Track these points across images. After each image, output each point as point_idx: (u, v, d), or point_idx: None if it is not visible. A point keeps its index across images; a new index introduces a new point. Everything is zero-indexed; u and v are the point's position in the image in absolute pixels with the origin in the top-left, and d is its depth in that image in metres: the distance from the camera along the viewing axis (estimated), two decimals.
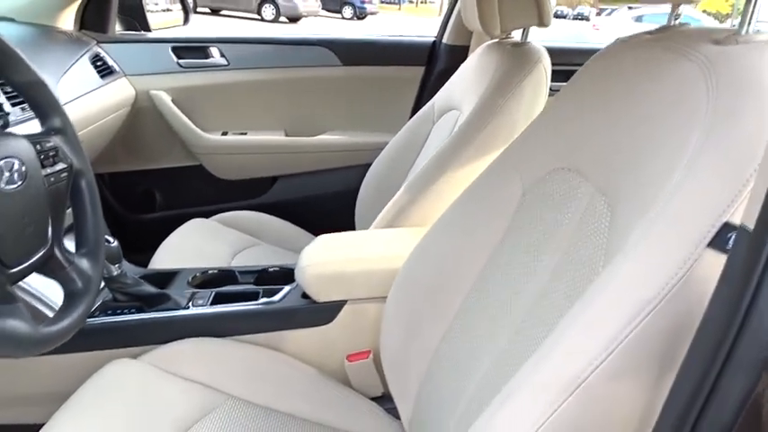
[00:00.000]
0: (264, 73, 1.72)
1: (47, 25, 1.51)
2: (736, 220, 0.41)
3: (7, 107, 0.99)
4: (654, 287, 0.42)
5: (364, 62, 1.75)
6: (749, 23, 0.52)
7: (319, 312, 0.96)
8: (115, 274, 0.90)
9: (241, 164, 1.74)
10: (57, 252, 0.70)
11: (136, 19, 1.76)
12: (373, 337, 0.95)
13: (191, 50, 1.70)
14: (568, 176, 0.64)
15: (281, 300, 0.97)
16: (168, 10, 1.89)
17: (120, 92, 1.54)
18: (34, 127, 0.77)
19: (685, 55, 0.54)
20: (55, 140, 0.73)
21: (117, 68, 1.57)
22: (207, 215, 1.48)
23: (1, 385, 0.89)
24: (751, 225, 0.36)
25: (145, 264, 1.17)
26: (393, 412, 0.86)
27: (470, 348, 0.69)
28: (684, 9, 0.68)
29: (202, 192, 1.76)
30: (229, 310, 0.95)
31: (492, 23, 1.13)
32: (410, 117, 1.46)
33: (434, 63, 1.74)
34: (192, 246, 1.30)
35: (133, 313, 0.92)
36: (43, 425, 0.72)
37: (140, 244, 1.34)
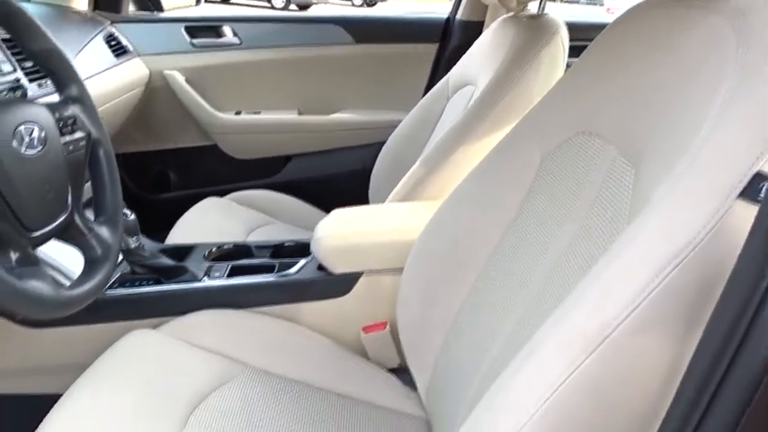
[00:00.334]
0: (277, 52, 1.71)
1: (61, 5, 1.52)
2: None
3: (25, 82, 1.00)
4: (683, 239, 0.41)
5: (377, 40, 1.74)
6: None
7: (335, 284, 0.96)
8: (133, 246, 0.90)
9: (255, 143, 1.74)
10: (77, 219, 0.71)
11: None
12: (389, 308, 0.95)
13: (204, 30, 1.70)
14: (589, 140, 0.63)
15: (297, 272, 0.97)
16: None
17: (133, 72, 1.54)
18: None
19: (713, 9, 0.53)
20: (73, 109, 0.73)
21: (131, 48, 1.58)
22: (221, 194, 1.48)
23: (21, 356, 0.90)
24: None
25: (161, 242, 1.18)
26: (410, 384, 0.86)
27: (489, 317, 0.68)
28: None
29: (217, 171, 1.77)
30: (246, 282, 0.95)
31: None
32: (424, 94, 1.45)
33: (448, 39, 1.72)
34: (208, 223, 1.31)
35: (151, 285, 0.93)
36: (62, 395, 0.73)
37: (156, 223, 1.34)
